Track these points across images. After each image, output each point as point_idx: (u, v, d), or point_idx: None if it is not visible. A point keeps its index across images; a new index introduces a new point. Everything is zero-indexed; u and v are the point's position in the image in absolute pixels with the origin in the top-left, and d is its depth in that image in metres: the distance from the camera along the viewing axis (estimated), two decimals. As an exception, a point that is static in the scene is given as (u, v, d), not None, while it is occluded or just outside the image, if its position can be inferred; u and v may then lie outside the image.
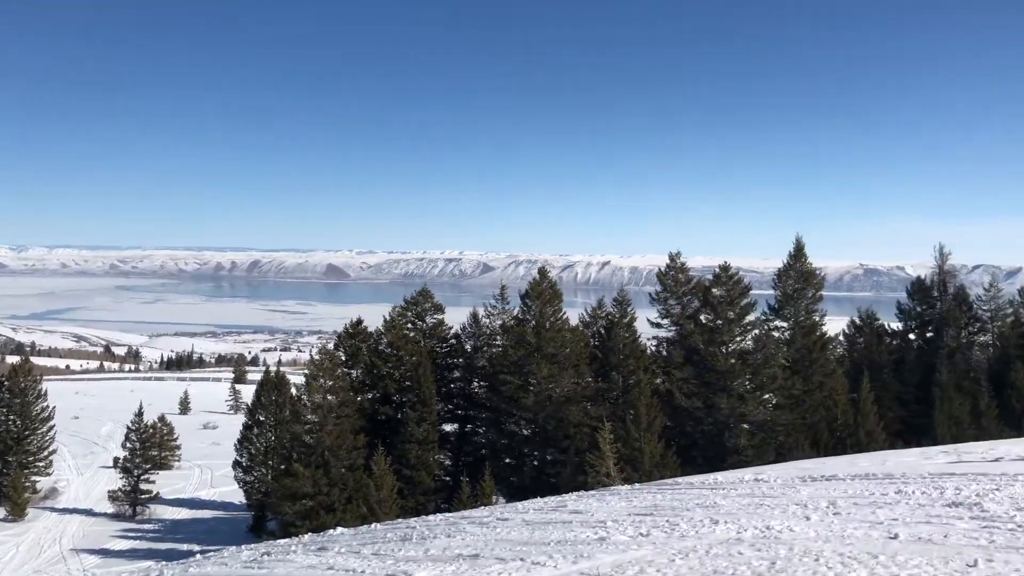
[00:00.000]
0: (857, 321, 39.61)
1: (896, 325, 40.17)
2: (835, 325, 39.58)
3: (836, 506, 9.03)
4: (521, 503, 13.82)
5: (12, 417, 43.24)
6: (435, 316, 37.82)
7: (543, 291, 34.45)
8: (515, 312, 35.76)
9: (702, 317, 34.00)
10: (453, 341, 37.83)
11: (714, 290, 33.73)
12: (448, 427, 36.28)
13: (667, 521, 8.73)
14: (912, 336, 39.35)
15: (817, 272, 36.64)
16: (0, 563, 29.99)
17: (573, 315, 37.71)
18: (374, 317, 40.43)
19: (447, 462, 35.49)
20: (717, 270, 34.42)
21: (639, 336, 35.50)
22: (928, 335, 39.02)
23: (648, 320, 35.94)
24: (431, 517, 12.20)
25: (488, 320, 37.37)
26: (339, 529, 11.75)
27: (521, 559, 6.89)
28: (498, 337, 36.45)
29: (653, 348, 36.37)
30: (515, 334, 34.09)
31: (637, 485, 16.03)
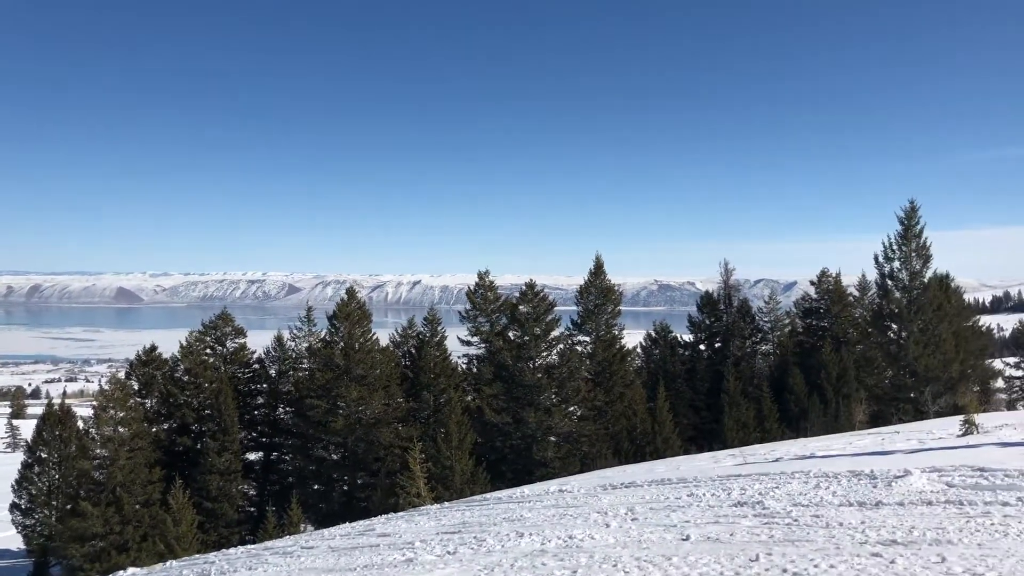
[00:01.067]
0: (653, 334, 41.77)
1: (688, 337, 42.74)
2: (633, 338, 41.65)
3: (634, 512, 9.44)
4: (328, 529, 13.48)
5: None
6: (236, 340, 36.39)
7: (351, 312, 33.96)
8: (323, 334, 35.05)
9: (510, 334, 34.71)
10: (256, 366, 36.54)
11: (521, 307, 34.55)
12: (252, 456, 34.94)
13: (474, 537, 8.80)
14: (702, 347, 41.98)
15: (616, 288, 38.33)
16: None
17: (383, 335, 37.41)
18: (170, 343, 38.35)
19: (252, 492, 34.13)
20: (524, 287, 35.29)
21: (450, 354, 35.76)
22: (716, 345, 41.79)
23: (458, 338, 36.25)
24: (232, 550, 11.65)
25: (294, 343, 36.44)
26: (130, 570, 10.98)
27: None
28: (304, 360, 35.59)
29: (464, 366, 36.74)
30: (323, 356, 33.37)
31: (447, 503, 16.06)
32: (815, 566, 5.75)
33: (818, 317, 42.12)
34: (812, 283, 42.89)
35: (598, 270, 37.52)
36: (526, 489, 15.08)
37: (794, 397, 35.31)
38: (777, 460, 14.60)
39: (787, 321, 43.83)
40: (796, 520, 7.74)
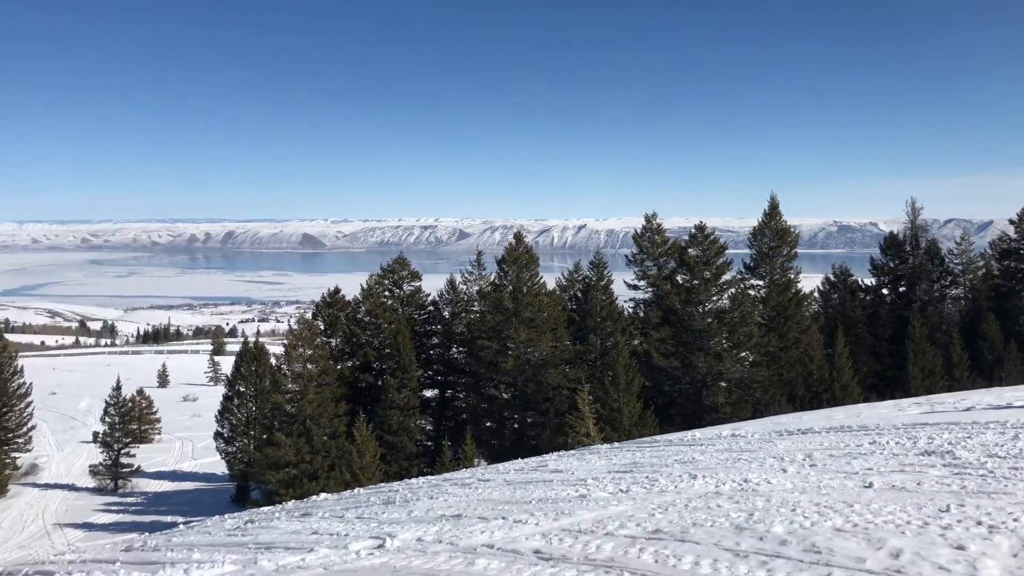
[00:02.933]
0: (831, 278, 39.95)
1: (870, 281, 40.60)
2: (810, 282, 39.94)
3: (812, 458, 9.19)
4: (502, 464, 13.94)
5: (-11, 395, 42.87)
6: (412, 284, 37.75)
7: (519, 256, 34.44)
8: (492, 278, 35.77)
9: (678, 278, 34.18)
10: (431, 308, 37.84)
11: (690, 250, 33.88)
12: (428, 393, 36.42)
13: (646, 477, 8.86)
14: (885, 291, 39.81)
15: (792, 230, 36.85)
16: (-18, 540, 29.89)
17: (550, 279, 37.77)
18: (351, 286, 40.27)
19: (428, 427, 35.67)
20: (693, 230, 34.54)
21: (616, 298, 35.65)
22: (901, 290, 39.51)
23: (625, 282, 36.06)
24: (414, 480, 12.29)
25: (465, 286, 37.38)
26: (322, 495, 11.82)
27: (503, 517, 6.97)
28: (475, 303, 36.49)
29: (630, 310, 36.55)
30: (492, 299, 34.12)
31: (616, 444, 16.21)
32: (1015, 520, 5.42)
33: (1018, 259, 38.86)
34: (1011, 222, 39.51)
35: (773, 211, 36.16)
36: (697, 433, 14.98)
37: (988, 344, 32.97)
38: (968, 409, 13.75)
39: (981, 263, 40.66)
40: (992, 472, 7.30)
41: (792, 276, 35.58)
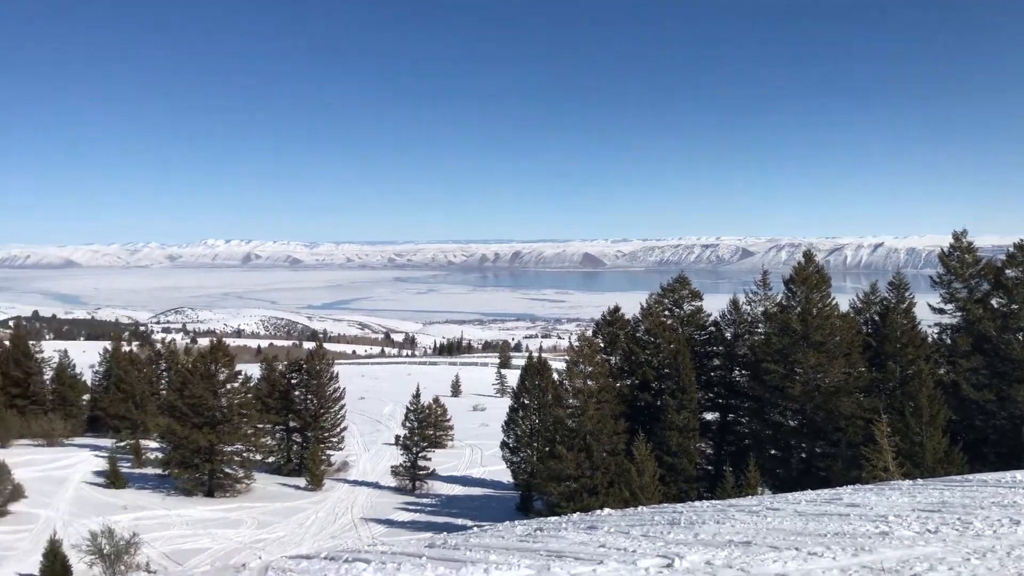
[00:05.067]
0: None
1: None
2: None
3: None
4: (792, 494, 13.35)
5: (310, 396, 48.20)
6: (692, 303, 37.29)
7: (809, 276, 32.86)
8: (778, 298, 34.43)
9: (993, 301, 30.91)
10: (712, 328, 37.13)
11: (1008, 271, 30.53)
12: (709, 416, 35.71)
13: (958, 519, 8.09)
14: None
15: None
16: (303, 527, 33.49)
17: (843, 301, 35.61)
18: (630, 304, 40.55)
19: (709, 451, 34.97)
20: (1012, 249, 31.11)
21: (918, 323, 32.87)
22: None
23: (929, 305, 33.21)
24: (698, 503, 12.11)
25: (749, 307, 36.27)
26: (606, 510, 12.02)
27: (796, 548, 6.69)
28: (760, 324, 35.28)
29: (934, 336, 33.59)
30: (779, 321, 32.82)
31: (920, 480, 14.93)
32: None
33: None
34: None
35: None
36: (1018, 474, 13.42)
37: None
38: None
39: None
40: None
41: None
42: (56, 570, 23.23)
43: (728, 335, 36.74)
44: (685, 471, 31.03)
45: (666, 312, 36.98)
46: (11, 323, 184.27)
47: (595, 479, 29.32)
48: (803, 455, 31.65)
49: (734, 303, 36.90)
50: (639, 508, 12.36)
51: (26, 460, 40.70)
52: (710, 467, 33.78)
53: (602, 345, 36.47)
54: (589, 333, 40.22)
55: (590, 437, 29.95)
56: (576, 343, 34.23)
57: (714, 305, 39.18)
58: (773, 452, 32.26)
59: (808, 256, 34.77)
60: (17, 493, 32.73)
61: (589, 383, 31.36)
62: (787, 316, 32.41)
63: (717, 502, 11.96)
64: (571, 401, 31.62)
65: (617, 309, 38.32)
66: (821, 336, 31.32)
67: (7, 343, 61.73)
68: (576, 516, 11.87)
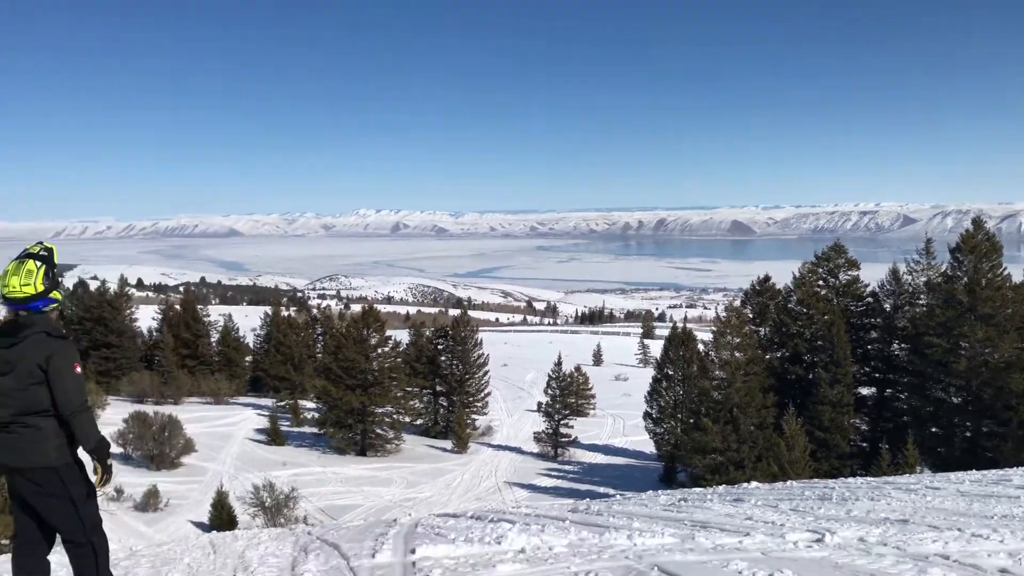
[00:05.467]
0: None
1: None
2: None
3: None
4: (954, 474, 12.65)
5: (455, 362, 49.50)
6: (849, 272, 35.71)
7: (978, 244, 30.78)
8: (943, 268, 32.46)
9: None
10: (869, 299, 35.44)
11: None
12: (864, 391, 34.25)
13: None
14: None
15: None
16: (449, 488, 34.54)
17: (1016, 272, 33.21)
18: (782, 274, 39.31)
19: (863, 427, 33.58)
20: None
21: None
22: None
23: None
24: (851, 480, 11.67)
25: (910, 277, 34.34)
26: (753, 483, 11.76)
27: (958, 529, 6.33)
28: (922, 296, 33.39)
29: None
30: (943, 292, 30.96)
31: (1102, 466, 13.82)
32: None
33: None
34: None
35: None
36: None
37: None
38: None
39: None
40: None
41: None
42: (223, 519, 24.96)
43: (887, 306, 34.98)
44: (838, 447, 29.96)
45: (820, 282, 35.60)
46: (181, 289, 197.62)
47: (742, 452, 28.76)
48: (967, 434, 29.88)
49: (894, 273, 35.04)
50: (788, 483, 12.03)
51: (196, 417, 43.72)
52: (864, 444, 32.43)
53: (751, 316, 35.57)
54: (737, 303, 39.22)
55: (737, 410, 29.35)
56: (723, 313, 33.46)
57: (872, 275, 37.36)
58: (934, 430, 30.59)
59: (977, 223, 32.58)
60: (189, 447, 35.31)
61: (737, 355, 30.69)
62: (952, 287, 30.54)
63: (871, 479, 11.47)
64: (717, 373, 31.07)
65: (767, 278, 37.22)
66: (991, 308, 29.36)
67: (178, 307, 66.31)
68: (722, 488, 11.68)
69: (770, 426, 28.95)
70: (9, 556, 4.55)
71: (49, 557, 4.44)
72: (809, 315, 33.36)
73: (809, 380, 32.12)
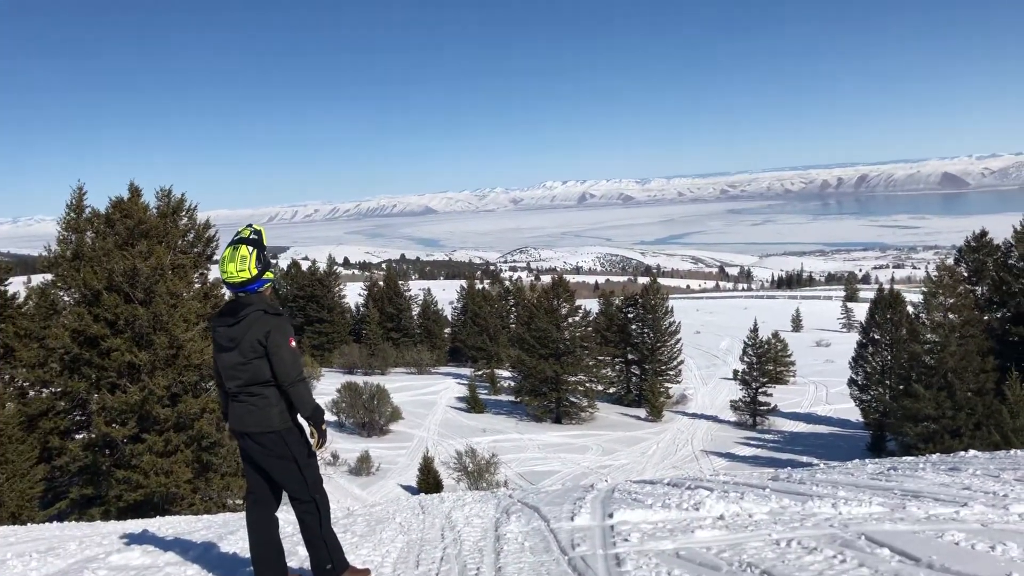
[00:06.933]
0: None
1: None
2: None
3: None
4: None
5: (646, 331, 49.24)
6: (1083, 224, 32.36)
7: None
8: None
9: None
10: (1108, 252, 31.99)
11: None
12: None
13: None
14: None
15: None
16: (644, 456, 34.56)
17: None
18: (1000, 228, 36.25)
19: (1102, 393, 30.46)
20: None
21: None
22: None
23: None
24: (1086, 450, 10.65)
25: None
26: (971, 452, 10.96)
27: None
28: None
29: None
30: None
31: None
32: None
33: None
34: None
35: None
36: None
37: None
38: None
39: None
40: None
41: None
42: (430, 483, 26.28)
43: None
44: (1071, 415, 27.34)
45: (1045, 235, 32.48)
46: (383, 266, 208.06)
47: (958, 420, 26.91)
48: None
49: None
50: (1012, 451, 11.12)
51: (401, 386, 46.12)
52: (1103, 411, 29.41)
53: (965, 275, 33.05)
54: (950, 262, 36.45)
55: (952, 375, 27.45)
56: (934, 273, 31.21)
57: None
58: None
59: None
60: (396, 415, 37.36)
61: (950, 316, 28.72)
62: None
63: (1113, 449, 10.42)
64: (929, 336, 29.23)
65: (984, 234, 34.37)
66: None
67: (381, 284, 69.93)
68: (936, 457, 10.95)
69: (990, 392, 26.85)
70: (243, 513, 5.05)
71: (277, 514, 4.88)
72: (1034, 272, 30.56)
73: (1036, 342, 29.49)
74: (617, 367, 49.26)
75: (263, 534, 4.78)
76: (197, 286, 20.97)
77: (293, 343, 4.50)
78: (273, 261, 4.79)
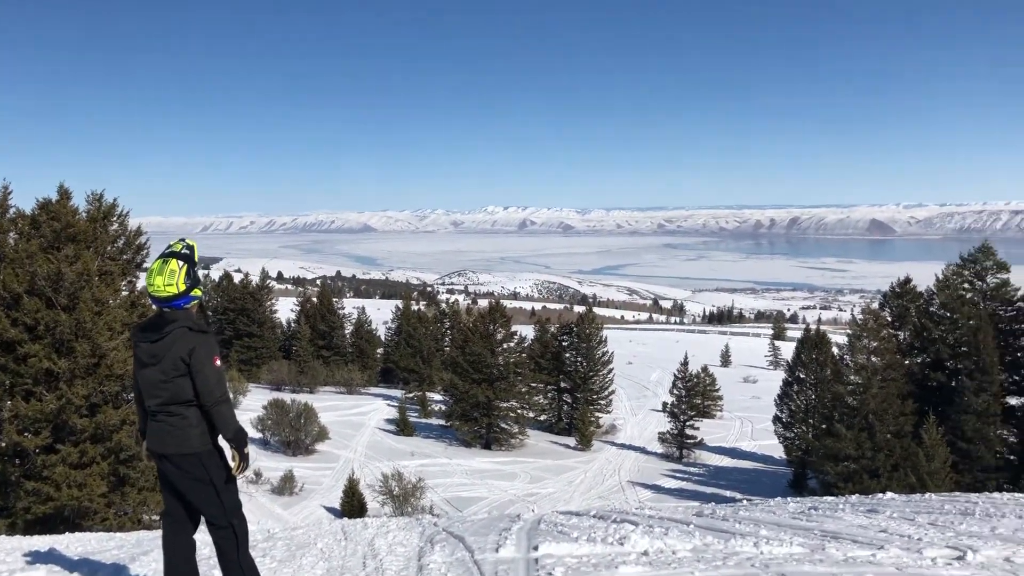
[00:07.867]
0: None
1: None
2: None
3: None
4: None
5: (580, 359, 49.49)
6: (998, 275, 33.59)
7: None
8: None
9: None
10: (1021, 304, 33.21)
11: None
12: (1013, 400, 32.17)
13: None
14: None
15: None
16: (572, 485, 34.61)
17: None
18: (924, 276, 37.46)
19: (1011, 439, 31.51)
20: None
21: None
22: None
23: None
24: (996, 495, 10.98)
25: (1070, 280, 32.08)
26: (888, 494, 11.25)
27: (1120, 555, 5.88)
28: (1083, 300, 31.12)
29: None
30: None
31: None
32: None
33: None
34: None
35: None
36: None
37: None
38: None
39: None
40: None
41: None
42: (354, 505, 25.87)
43: (1042, 312, 32.74)
44: (982, 459, 28.28)
45: (966, 285, 33.68)
46: (318, 282, 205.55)
47: (877, 461, 27.58)
48: None
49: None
50: (927, 495, 11.44)
51: (330, 405, 45.44)
52: (1012, 457, 30.47)
53: (889, 319, 34.02)
54: (875, 306, 37.53)
55: (873, 416, 28.19)
56: (860, 316, 32.09)
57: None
58: (1093, 445, 28.47)
59: None
60: (322, 435, 36.76)
61: (874, 359, 29.50)
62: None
63: (1020, 495, 10.77)
64: (852, 377, 29.97)
65: (908, 280, 35.51)
66: None
67: (315, 300, 69.05)
68: (855, 498, 11.22)
69: (908, 434, 27.62)
70: (159, 532, 4.87)
71: (195, 536, 4.73)
72: (953, 319, 31.63)
73: (951, 388, 30.47)
74: (549, 395, 49.36)
75: (179, 557, 4.63)
76: (124, 294, 20.35)
77: (218, 362, 4.39)
78: (204, 273, 4.65)
